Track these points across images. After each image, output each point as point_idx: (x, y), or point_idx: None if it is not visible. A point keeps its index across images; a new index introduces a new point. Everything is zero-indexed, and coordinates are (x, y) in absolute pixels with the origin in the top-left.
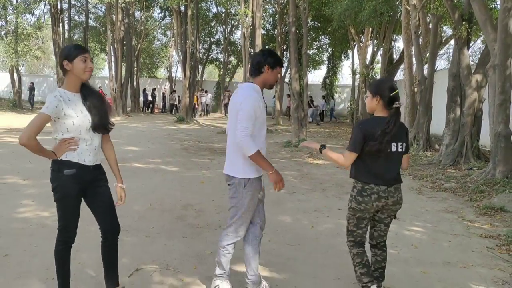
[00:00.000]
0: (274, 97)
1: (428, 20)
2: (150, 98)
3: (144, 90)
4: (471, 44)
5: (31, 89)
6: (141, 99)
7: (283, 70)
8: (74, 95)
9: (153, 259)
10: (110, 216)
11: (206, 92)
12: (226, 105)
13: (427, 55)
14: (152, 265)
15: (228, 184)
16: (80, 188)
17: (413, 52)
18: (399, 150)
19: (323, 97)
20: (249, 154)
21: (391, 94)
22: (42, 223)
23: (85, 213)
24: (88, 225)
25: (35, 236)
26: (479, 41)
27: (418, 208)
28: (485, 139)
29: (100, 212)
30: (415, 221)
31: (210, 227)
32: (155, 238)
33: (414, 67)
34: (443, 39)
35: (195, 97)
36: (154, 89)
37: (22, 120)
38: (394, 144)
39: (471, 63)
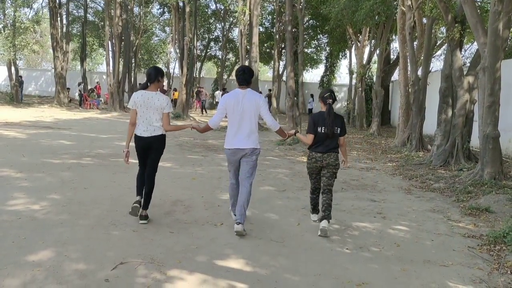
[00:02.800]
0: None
1: (424, 21)
2: None
3: None
4: (468, 46)
5: (20, 82)
6: None
7: (281, 68)
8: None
9: (138, 253)
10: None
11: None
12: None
13: (423, 56)
14: (137, 259)
15: (250, 155)
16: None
17: (408, 53)
18: (335, 132)
19: (311, 95)
20: (277, 129)
21: (323, 96)
22: (32, 216)
23: (76, 207)
24: (76, 219)
25: (24, 228)
26: (476, 43)
27: (405, 207)
28: (477, 140)
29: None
30: (401, 220)
31: (197, 222)
32: (142, 233)
33: (408, 68)
34: (440, 40)
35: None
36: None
37: (19, 114)
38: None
39: (468, 64)
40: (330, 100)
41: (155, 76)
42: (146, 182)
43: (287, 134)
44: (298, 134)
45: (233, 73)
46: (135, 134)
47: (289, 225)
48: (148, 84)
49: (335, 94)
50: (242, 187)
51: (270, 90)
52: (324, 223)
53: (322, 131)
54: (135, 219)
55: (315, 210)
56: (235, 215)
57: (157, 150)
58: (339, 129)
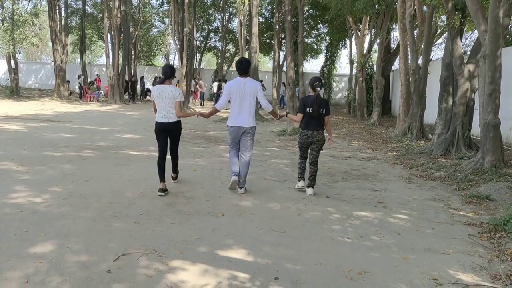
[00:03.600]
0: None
1: (424, 9)
2: (139, 86)
3: (142, 78)
4: (469, 34)
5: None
6: (139, 87)
7: (281, 59)
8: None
9: (140, 244)
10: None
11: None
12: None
13: (423, 45)
14: (139, 250)
15: (249, 132)
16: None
17: (408, 42)
18: (321, 112)
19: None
20: (270, 110)
21: (313, 84)
22: (34, 209)
23: (77, 199)
24: (77, 211)
25: (25, 221)
26: (476, 31)
27: (405, 196)
28: (477, 129)
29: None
30: (401, 209)
31: (199, 213)
32: (144, 224)
33: (409, 57)
34: (441, 28)
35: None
36: (142, 77)
37: (19, 108)
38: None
39: (469, 52)
40: (318, 88)
41: (171, 73)
42: (172, 158)
43: (278, 115)
44: (289, 115)
45: (233, 64)
46: (155, 121)
47: (290, 215)
48: (164, 79)
49: (323, 81)
50: (242, 158)
51: (261, 80)
52: (310, 190)
53: (310, 112)
54: (137, 211)
55: (302, 176)
56: (235, 175)
57: (175, 134)
58: (324, 109)
